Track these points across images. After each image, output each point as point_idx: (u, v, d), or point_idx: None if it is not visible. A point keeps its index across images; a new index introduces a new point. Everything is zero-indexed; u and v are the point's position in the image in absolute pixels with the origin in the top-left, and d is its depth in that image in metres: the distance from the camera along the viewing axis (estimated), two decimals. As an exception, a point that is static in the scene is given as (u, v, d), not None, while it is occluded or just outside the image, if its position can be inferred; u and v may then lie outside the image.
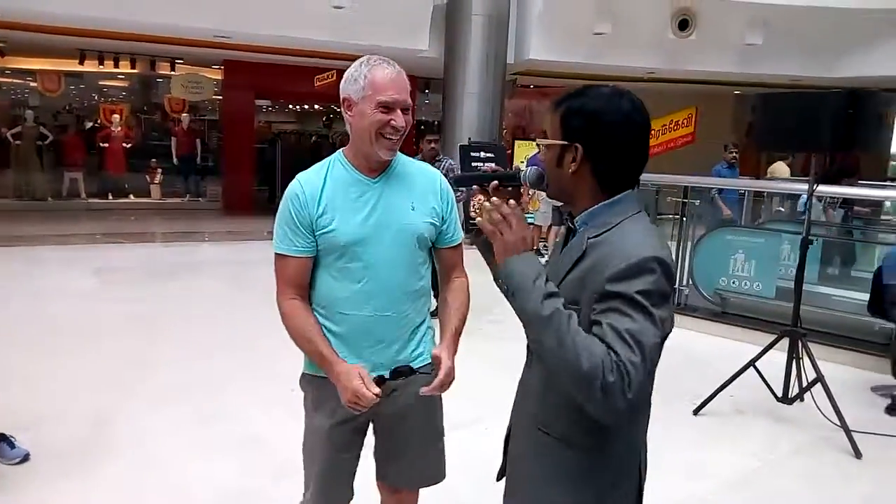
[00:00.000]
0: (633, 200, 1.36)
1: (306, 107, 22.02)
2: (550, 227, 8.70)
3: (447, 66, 10.91)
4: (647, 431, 1.45)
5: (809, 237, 3.99)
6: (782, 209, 8.08)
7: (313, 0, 9.46)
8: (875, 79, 11.08)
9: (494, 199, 1.40)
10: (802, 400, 3.97)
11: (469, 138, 10.44)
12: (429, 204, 1.91)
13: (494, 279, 1.52)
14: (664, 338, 1.27)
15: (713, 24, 10.86)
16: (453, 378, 1.82)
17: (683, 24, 10.97)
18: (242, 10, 9.36)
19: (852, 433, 3.63)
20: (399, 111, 1.77)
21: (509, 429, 1.57)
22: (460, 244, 2.01)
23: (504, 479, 1.57)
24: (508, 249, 1.32)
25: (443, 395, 2.00)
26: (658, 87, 13.81)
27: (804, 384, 3.90)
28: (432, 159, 5.31)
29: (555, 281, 1.33)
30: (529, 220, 8.65)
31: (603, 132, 1.31)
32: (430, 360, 1.89)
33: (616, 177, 1.35)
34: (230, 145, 13.56)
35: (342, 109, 1.83)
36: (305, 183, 1.83)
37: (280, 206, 1.84)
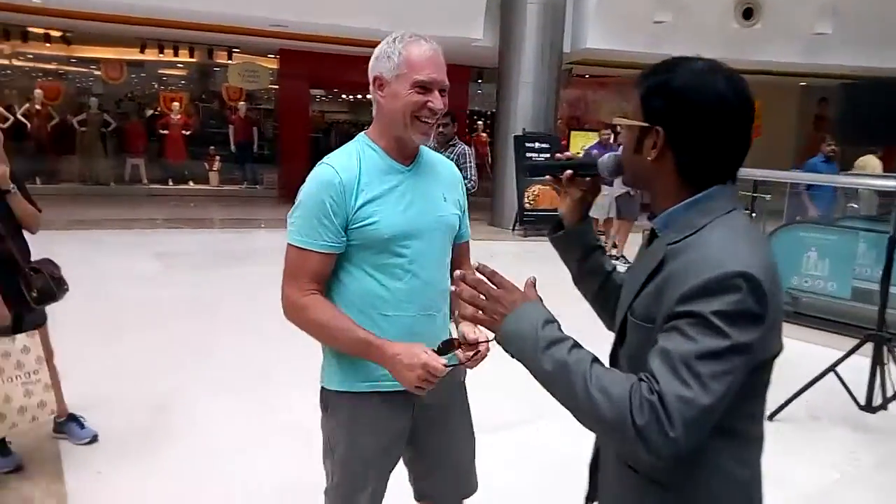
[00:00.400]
0: (726, 196, 1.15)
1: (359, 96, 22.12)
2: (610, 219, 8.39)
3: (502, 55, 10.78)
4: (759, 465, 1.24)
5: (896, 236, 3.78)
6: (856, 205, 7.68)
7: (367, -12, 9.46)
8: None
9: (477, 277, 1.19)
10: (886, 409, 3.76)
11: (523, 129, 10.32)
12: (455, 195, 1.81)
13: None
14: (762, 362, 1.10)
15: (779, 13, 10.45)
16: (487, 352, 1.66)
17: (748, 13, 10.59)
18: (298, -1, 9.40)
19: (942, 447, 3.42)
20: (437, 92, 1.62)
21: (596, 452, 1.38)
22: (468, 240, 1.91)
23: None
24: (495, 319, 1.15)
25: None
26: (719, 78, 13.38)
27: (888, 392, 3.68)
28: (445, 144, 4.87)
29: (629, 296, 1.18)
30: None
31: (689, 115, 1.11)
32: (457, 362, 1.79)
33: (705, 168, 1.14)
34: (286, 134, 13.72)
35: (371, 89, 1.66)
36: (342, 169, 1.63)
37: (307, 194, 1.64)
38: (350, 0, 9.53)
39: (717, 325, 1.00)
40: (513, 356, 1.12)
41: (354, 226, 1.63)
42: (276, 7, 9.51)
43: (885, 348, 3.75)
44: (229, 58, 13.84)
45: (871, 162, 8.42)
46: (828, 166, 7.90)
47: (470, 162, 4.89)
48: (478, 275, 1.19)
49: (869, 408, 3.82)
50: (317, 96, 18.49)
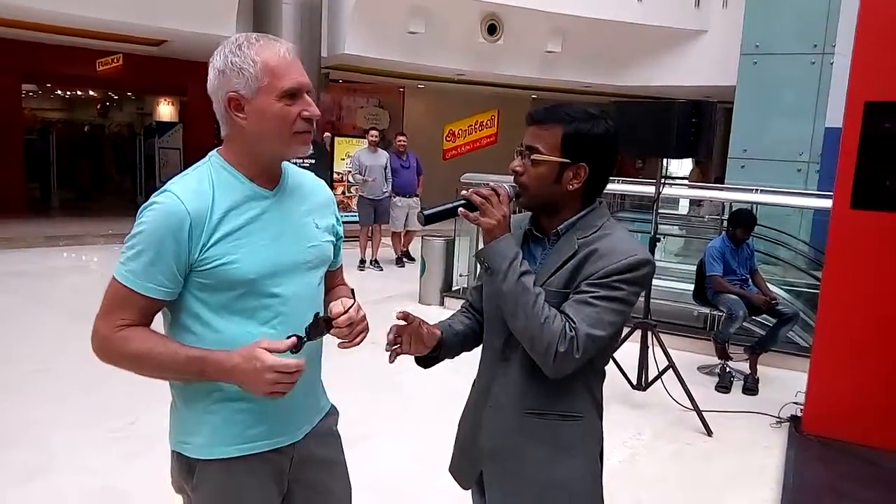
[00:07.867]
0: (604, 206, 1.57)
1: (79, 93, 19.63)
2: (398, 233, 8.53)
3: (257, 54, 10.25)
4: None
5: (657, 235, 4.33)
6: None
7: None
8: (650, 88, 12.47)
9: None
10: (651, 386, 4.29)
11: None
12: (328, 220, 1.60)
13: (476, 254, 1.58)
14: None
15: (519, 31, 11.44)
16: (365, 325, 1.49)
17: (492, 29, 11.41)
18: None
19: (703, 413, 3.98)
20: (306, 96, 1.43)
21: (466, 432, 1.66)
22: (342, 265, 1.73)
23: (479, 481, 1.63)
24: (491, 232, 1.44)
25: None
26: (465, 89, 14.27)
27: (650, 372, 4.23)
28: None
29: (543, 276, 1.48)
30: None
31: (603, 154, 1.50)
32: (331, 406, 1.68)
33: (599, 190, 1.54)
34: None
35: (222, 111, 1.41)
36: (191, 200, 1.36)
37: (145, 227, 1.35)
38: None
39: (624, 288, 1.42)
40: (488, 269, 1.44)
41: (207, 266, 1.37)
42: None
43: (649, 333, 4.26)
44: None
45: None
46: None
47: None
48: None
49: (640, 387, 4.32)
50: (27, 92, 16.02)
